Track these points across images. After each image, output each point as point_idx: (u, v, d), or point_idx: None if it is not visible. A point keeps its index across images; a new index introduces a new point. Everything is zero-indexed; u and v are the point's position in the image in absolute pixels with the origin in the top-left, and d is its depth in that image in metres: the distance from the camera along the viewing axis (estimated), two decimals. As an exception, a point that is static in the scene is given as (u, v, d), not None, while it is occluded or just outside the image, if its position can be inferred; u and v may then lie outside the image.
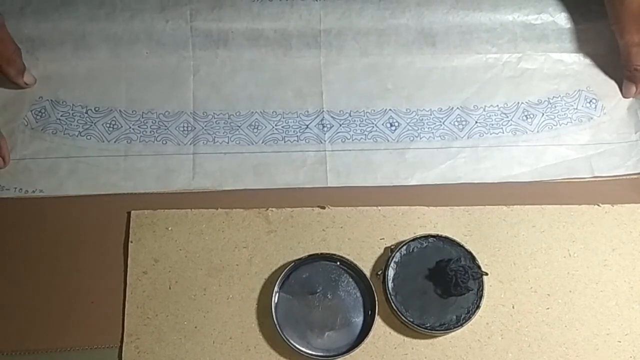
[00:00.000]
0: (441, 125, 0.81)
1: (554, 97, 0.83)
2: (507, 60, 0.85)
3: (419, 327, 0.69)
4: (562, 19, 0.84)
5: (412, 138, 0.80)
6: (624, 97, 0.83)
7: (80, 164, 0.77)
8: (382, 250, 0.74)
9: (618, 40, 0.80)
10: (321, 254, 0.72)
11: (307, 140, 0.80)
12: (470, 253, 0.72)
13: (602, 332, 0.71)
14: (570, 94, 0.83)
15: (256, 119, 0.81)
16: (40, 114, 0.80)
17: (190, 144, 0.79)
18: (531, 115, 0.81)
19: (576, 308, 0.72)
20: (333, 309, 0.71)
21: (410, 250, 0.73)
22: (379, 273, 0.72)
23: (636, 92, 0.82)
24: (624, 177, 0.79)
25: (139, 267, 0.73)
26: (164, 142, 0.79)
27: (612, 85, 0.83)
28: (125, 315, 0.71)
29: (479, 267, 0.71)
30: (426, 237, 0.73)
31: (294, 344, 0.69)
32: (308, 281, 0.72)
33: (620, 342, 0.71)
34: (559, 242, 0.74)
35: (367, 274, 0.72)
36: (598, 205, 0.76)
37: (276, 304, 0.70)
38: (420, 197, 0.76)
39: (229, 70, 0.83)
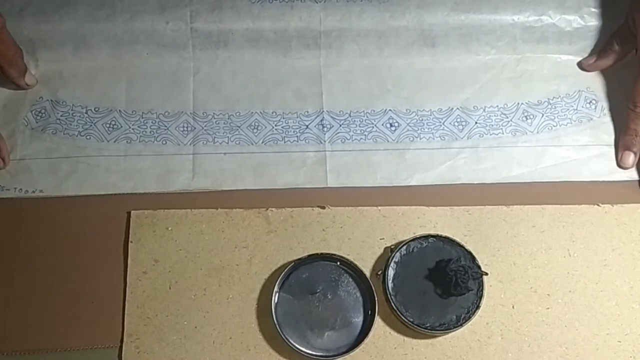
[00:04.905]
0: (441, 125, 0.81)
1: (553, 97, 0.83)
2: (506, 62, 0.85)
3: (419, 327, 0.69)
4: (562, 22, 0.84)
5: (412, 138, 0.80)
6: (620, 166, 0.79)
7: (80, 164, 0.77)
8: (382, 250, 0.74)
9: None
10: (321, 254, 0.72)
11: (307, 141, 0.80)
12: (470, 253, 0.72)
13: (602, 332, 0.71)
14: (570, 94, 0.83)
15: (256, 119, 0.81)
16: (40, 114, 0.80)
17: (190, 144, 0.79)
18: (531, 116, 0.82)
19: (576, 308, 0.72)
20: (333, 309, 0.71)
21: (410, 250, 0.73)
22: (379, 273, 0.72)
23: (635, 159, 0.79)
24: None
25: (139, 267, 0.72)
26: (164, 142, 0.79)
27: (613, 85, 0.83)
28: (125, 315, 0.71)
29: (479, 267, 0.71)
30: (426, 237, 0.73)
31: (294, 344, 0.69)
32: (308, 281, 0.72)
33: (620, 342, 0.71)
34: (559, 242, 0.74)
35: (367, 274, 0.72)
36: (598, 205, 0.76)
37: (276, 304, 0.70)
38: (420, 197, 0.77)
39: (229, 71, 0.83)
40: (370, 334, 0.69)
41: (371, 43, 0.84)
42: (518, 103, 0.82)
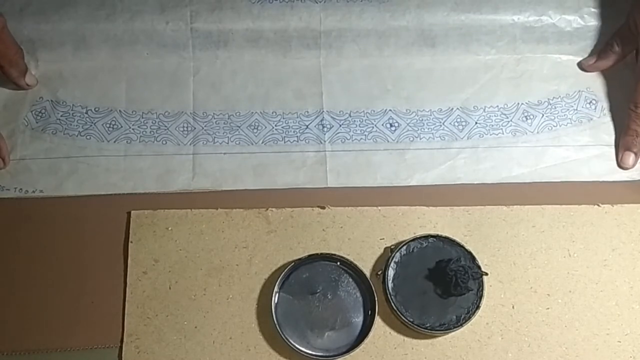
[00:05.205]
0: (441, 125, 0.81)
1: (553, 97, 0.83)
2: (506, 62, 0.85)
3: (419, 327, 0.69)
4: (562, 22, 0.84)
5: (412, 138, 0.80)
6: (621, 166, 0.79)
7: (80, 164, 0.77)
8: (382, 250, 0.74)
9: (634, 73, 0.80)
10: (321, 254, 0.72)
11: (307, 141, 0.80)
12: (470, 253, 0.72)
13: (602, 332, 0.71)
14: (570, 94, 0.83)
15: (256, 119, 0.81)
16: (40, 114, 0.80)
17: (190, 144, 0.79)
18: (531, 116, 0.82)
19: (576, 308, 0.72)
20: (333, 309, 0.71)
21: (410, 250, 0.73)
22: (379, 273, 0.72)
23: (636, 159, 0.79)
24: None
25: (139, 267, 0.72)
26: (164, 142, 0.79)
27: (613, 85, 0.83)
28: (125, 315, 0.71)
29: (479, 267, 0.71)
30: (426, 237, 0.73)
31: (294, 344, 0.69)
32: (308, 281, 0.72)
33: (620, 342, 0.71)
34: (558, 242, 0.74)
35: (367, 274, 0.72)
36: (598, 205, 0.76)
37: (276, 304, 0.70)
38: (420, 197, 0.77)
39: (229, 71, 0.83)
40: (370, 334, 0.69)
41: (371, 43, 0.84)
42: (518, 103, 0.82)
